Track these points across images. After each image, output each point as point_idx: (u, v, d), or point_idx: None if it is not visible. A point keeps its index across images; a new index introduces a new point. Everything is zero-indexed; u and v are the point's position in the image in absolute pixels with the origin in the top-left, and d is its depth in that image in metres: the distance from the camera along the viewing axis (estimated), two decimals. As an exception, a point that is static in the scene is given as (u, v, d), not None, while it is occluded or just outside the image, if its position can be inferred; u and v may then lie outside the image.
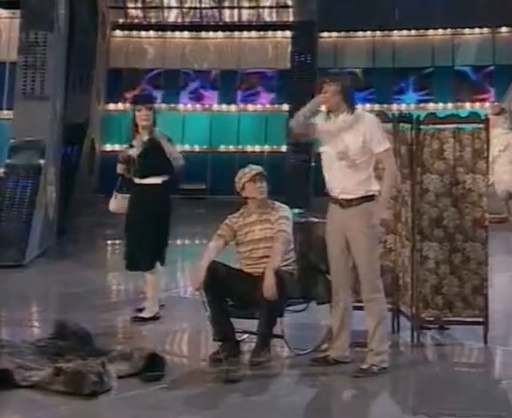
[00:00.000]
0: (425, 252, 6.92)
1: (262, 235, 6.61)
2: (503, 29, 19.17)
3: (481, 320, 6.93)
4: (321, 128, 6.31)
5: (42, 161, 11.49)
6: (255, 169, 6.71)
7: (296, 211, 13.93)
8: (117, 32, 19.93)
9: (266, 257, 6.51)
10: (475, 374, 6.40)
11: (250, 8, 20.14)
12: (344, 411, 5.82)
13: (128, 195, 7.92)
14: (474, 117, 7.17)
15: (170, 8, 20.27)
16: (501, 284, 9.14)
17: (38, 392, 5.70)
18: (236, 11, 20.15)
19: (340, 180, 6.21)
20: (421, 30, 19.37)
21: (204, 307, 6.47)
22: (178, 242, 13.79)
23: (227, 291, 6.54)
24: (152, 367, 6.04)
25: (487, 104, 17.59)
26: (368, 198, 6.16)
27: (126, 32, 20.00)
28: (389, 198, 6.47)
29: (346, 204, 6.19)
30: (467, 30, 19.27)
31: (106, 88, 18.98)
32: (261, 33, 19.89)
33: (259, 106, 19.48)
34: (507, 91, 15.64)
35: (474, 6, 18.14)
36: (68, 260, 11.25)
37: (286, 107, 19.01)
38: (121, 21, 20.03)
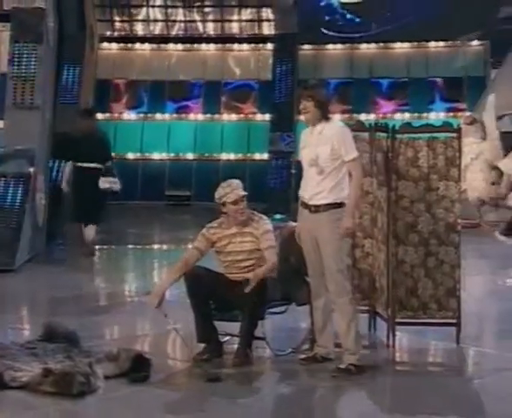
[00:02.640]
0: (400, 255, 6.94)
1: (244, 248, 6.57)
2: (475, 42, 19.31)
3: (454, 321, 6.96)
4: (304, 140, 6.36)
5: (31, 169, 11.45)
6: (236, 188, 6.58)
7: (278, 216, 13.98)
8: (105, 44, 19.90)
9: (248, 267, 6.51)
10: (449, 374, 6.41)
11: (233, 21, 20.18)
12: (322, 410, 5.81)
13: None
14: (447, 126, 7.21)
15: (156, 21, 20.28)
16: (474, 287, 9.19)
17: (28, 392, 5.66)
18: (220, 25, 20.18)
19: (310, 186, 6.26)
20: (397, 43, 19.50)
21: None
22: (164, 247, 13.78)
23: (211, 295, 6.52)
24: (138, 368, 6.01)
25: (459, 114, 17.71)
26: (336, 206, 6.17)
27: (114, 44, 19.99)
28: (354, 208, 6.26)
29: (315, 209, 6.22)
30: (440, 43, 19.42)
31: (94, 98, 18.94)
32: (244, 45, 19.93)
33: (241, 116, 19.51)
34: (478, 101, 15.76)
35: (447, 20, 18.26)
36: (57, 265, 11.21)
37: (267, 117, 19.06)
38: (108, 33, 20.01)
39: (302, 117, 6.40)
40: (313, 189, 6.24)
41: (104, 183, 11.13)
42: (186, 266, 6.54)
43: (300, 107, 6.32)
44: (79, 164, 11.30)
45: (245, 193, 6.62)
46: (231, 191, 6.57)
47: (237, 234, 6.60)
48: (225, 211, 6.62)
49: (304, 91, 6.39)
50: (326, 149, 6.17)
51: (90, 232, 11.41)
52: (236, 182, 6.67)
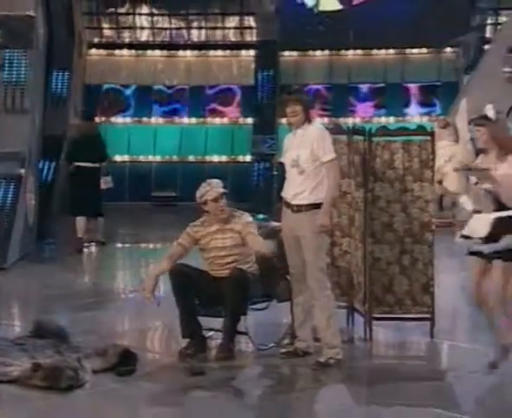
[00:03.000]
0: (377, 253, 6.97)
1: (225, 244, 6.59)
2: (448, 49, 19.41)
3: (428, 316, 7.00)
4: (287, 143, 6.38)
5: (22, 171, 11.42)
6: (216, 187, 6.61)
7: (260, 216, 13.98)
8: (93, 51, 19.84)
9: (230, 263, 6.52)
10: (424, 367, 6.45)
11: (217, 28, 20.19)
12: (302, 402, 5.82)
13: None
14: (421, 130, 7.25)
15: (142, 28, 20.26)
16: (446, 283, 9.23)
17: (18, 386, 5.65)
18: (204, 32, 20.19)
19: (292, 187, 6.28)
20: (374, 50, 19.55)
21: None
22: (151, 246, 13.76)
23: (195, 291, 6.53)
24: (125, 363, 6.01)
25: (434, 118, 17.78)
26: (317, 206, 6.18)
27: (101, 51, 19.93)
28: (331, 207, 6.32)
29: (297, 209, 6.24)
30: (415, 50, 19.50)
31: (82, 103, 18.87)
32: (227, 52, 19.93)
33: (225, 120, 19.50)
34: (451, 105, 15.83)
35: (422, 29, 18.34)
36: (47, 263, 11.18)
37: (250, 120, 19.06)
38: (96, 40, 19.96)
39: (290, 121, 6.38)
40: (295, 189, 6.25)
41: (103, 184, 12.03)
42: (170, 261, 6.57)
43: (288, 111, 6.31)
44: (80, 163, 11.76)
45: (225, 191, 6.64)
46: (211, 189, 6.60)
47: (218, 231, 6.62)
48: (206, 209, 6.64)
49: (290, 95, 6.41)
50: (307, 150, 6.21)
51: (87, 225, 12.00)
52: (216, 181, 6.70)
